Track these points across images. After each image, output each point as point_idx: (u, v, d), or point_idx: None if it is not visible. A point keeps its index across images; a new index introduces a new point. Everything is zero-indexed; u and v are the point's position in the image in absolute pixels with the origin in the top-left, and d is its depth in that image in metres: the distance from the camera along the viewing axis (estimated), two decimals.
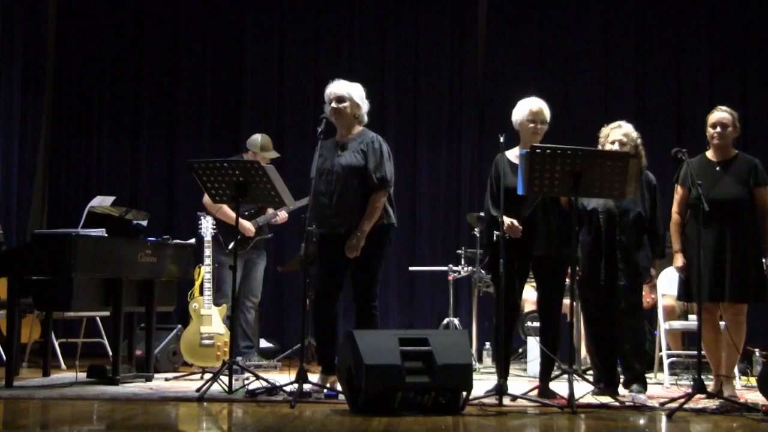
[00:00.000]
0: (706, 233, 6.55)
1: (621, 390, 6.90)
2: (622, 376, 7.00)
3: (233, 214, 7.81)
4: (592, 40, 11.24)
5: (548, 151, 6.23)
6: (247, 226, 8.85)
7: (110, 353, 7.83)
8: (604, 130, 7.06)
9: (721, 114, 6.89)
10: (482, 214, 7.42)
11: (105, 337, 9.16)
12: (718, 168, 6.85)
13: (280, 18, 11.40)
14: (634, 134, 6.99)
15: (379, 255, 6.93)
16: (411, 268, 10.33)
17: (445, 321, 9.48)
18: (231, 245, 8.66)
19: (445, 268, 9.52)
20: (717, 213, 6.46)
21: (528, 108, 6.94)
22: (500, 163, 6.88)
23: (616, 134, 6.95)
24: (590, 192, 6.47)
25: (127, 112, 11.32)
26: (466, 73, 11.29)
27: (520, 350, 9.40)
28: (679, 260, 6.90)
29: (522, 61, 11.22)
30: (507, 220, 6.66)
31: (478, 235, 9.20)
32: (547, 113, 6.95)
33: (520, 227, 6.66)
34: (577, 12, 11.29)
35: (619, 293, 6.85)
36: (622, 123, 7.04)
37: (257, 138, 9.03)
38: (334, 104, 6.91)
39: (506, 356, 6.78)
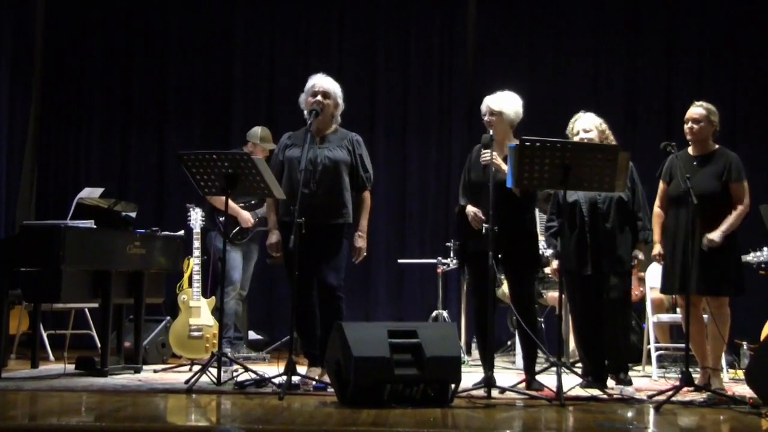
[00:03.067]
0: (680, 226, 6.57)
1: (609, 381, 6.94)
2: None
3: (234, 206, 7.85)
4: (583, 35, 11.23)
5: (537, 144, 6.24)
6: (246, 216, 8.84)
7: (99, 345, 7.83)
8: (569, 126, 7.10)
9: (694, 109, 6.93)
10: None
11: (93, 329, 9.15)
12: (695, 163, 6.88)
13: (270, 11, 11.38)
14: (597, 120, 7.05)
15: (345, 248, 7.06)
16: (400, 261, 10.32)
17: (434, 313, 9.48)
18: (233, 233, 8.68)
19: (434, 261, 9.53)
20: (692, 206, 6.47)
21: (483, 103, 7.03)
22: (472, 155, 6.97)
23: (579, 124, 7.05)
24: (580, 185, 6.49)
25: (116, 104, 11.29)
26: (456, 67, 11.28)
27: (509, 343, 9.41)
28: (655, 248, 6.93)
29: (512, 56, 11.20)
30: (471, 209, 6.71)
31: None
32: (493, 104, 6.94)
33: (483, 217, 6.67)
34: (568, 6, 11.29)
35: (606, 283, 6.89)
36: (581, 113, 7.11)
37: (257, 130, 9.05)
38: (319, 98, 6.98)
39: (489, 348, 6.77)
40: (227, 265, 8.64)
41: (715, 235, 6.66)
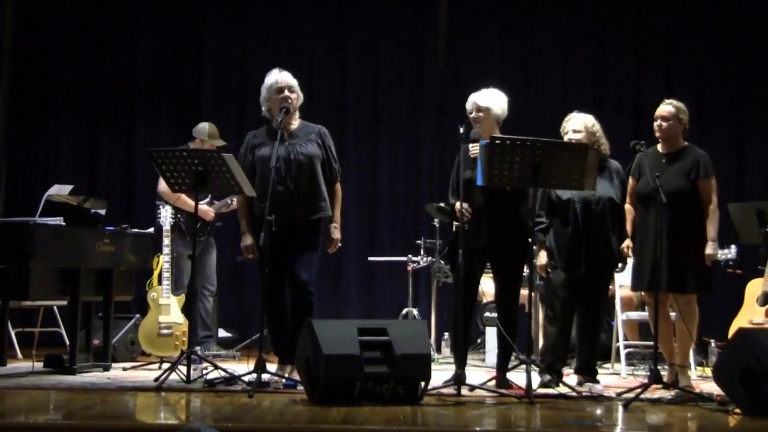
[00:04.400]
0: (649, 223, 6.61)
1: (574, 377, 6.99)
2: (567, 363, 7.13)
3: (191, 202, 7.80)
4: (553, 34, 11.28)
5: (507, 142, 6.26)
6: (206, 209, 8.80)
7: (67, 343, 7.79)
8: (563, 124, 7.13)
9: (663, 107, 6.98)
10: (442, 204, 7.48)
11: (62, 327, 9.10)
12: (664, 160, 6.93)
13: (240, 7, 11.36)
14: (590, 122, 7.07)
15: (320, 244, 7.04)
16: (370, 258, 10.32)
17: (404, 311, 9.50)
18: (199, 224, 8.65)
19: (404, 258, 9.53)
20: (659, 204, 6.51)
21: (469, 101, 7.04)
22: (461, 154, 6.98)
23: (571, 124, 7.06)
24: (549, 183, 6.52)
25: (86, 100, 11.24)
26: (426, 64, 11.29)
27: (479, 341, 9.43)
28: (625, 242, 6.94)
29: (483, 52, 11.23)
30: (458, 205, 6.72)
31: (437, 225, 9.24)
32: (480, 101, 6.97)
33: (468, 215, 6.70)
34: (539, 5, 11.33)
35: (598, 282, 6.98)
36: (575, 113, 7.13)
37: (204, 126, 8.97)
38: (286, 93, 6.95)
39: (464, 346, 6.81)
40: (178, 269, 8.61)
41: (711, 249, 6.78)
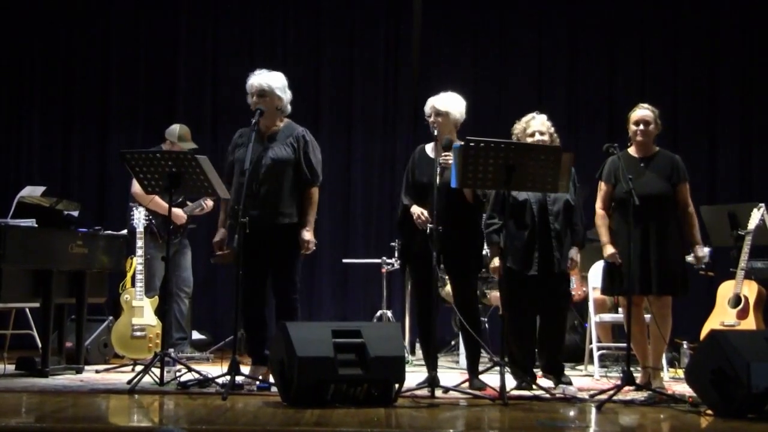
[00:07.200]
0: (628, 227, 6.64)
1: (546, 381, 7.00)
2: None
3: (164, 204, 7.78)
4: (526, 37, 11.33)
5: (482, 144, 6.26)
6: (179, 213, 8.75)
7: (40, 345, 7.75)
8: (519, 125, 7.14)
9: (643, 111, 6.98)
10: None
11: (34, 329, 9.03)
12: (641, 164, 6.95)
13: (214, 7, 11.35)
14: (548, 123, 7.10)
15: (299, 248, 6.91)
16: (344, 260, 10.33)
17: (378, 313, 9.51)
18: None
19: (378, 261, 9.54)
20: (640, 208, 6.53)
21: (427, 105, 7.03)
22: (416, 155, 6.97)
23: (536, 125, 7.06)
24: (523, 186, 6.52)
25: (58, 101, 11.19)
26: (401, 66, 11.31)
27: (453, 343, 9.45)
28: (608, 249, 6.93)
29: (457, 56, 11.27)
30: (417, 210, 6.73)
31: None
32: (439, 105, 6.95)
33: (429, 218, 6.69)
34: (511, 11, 11.37)
35: (555, 282, 6.95)
36: (535, 114, 7.16)
37: (175, 128, 8.92)
38: (255, 99, 6.89)
39: (433, 348, 6.81)
40: (149, 271, 8.57)
41: (701, 252, 6.93)
